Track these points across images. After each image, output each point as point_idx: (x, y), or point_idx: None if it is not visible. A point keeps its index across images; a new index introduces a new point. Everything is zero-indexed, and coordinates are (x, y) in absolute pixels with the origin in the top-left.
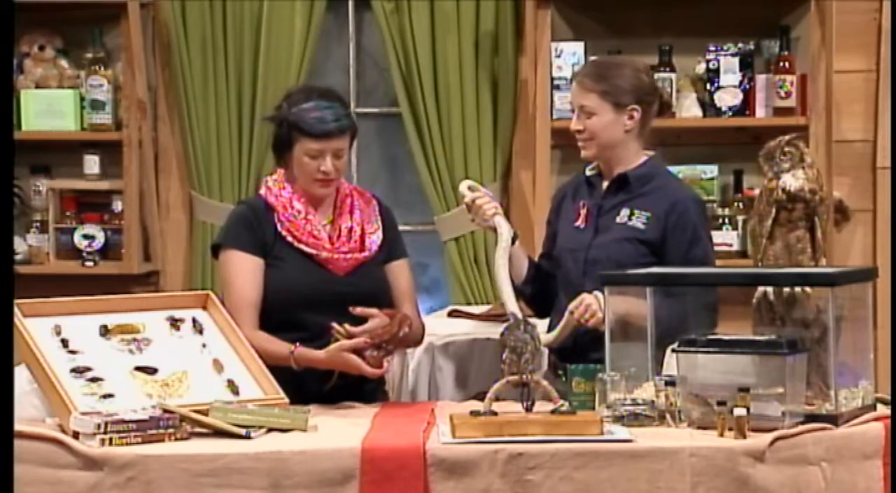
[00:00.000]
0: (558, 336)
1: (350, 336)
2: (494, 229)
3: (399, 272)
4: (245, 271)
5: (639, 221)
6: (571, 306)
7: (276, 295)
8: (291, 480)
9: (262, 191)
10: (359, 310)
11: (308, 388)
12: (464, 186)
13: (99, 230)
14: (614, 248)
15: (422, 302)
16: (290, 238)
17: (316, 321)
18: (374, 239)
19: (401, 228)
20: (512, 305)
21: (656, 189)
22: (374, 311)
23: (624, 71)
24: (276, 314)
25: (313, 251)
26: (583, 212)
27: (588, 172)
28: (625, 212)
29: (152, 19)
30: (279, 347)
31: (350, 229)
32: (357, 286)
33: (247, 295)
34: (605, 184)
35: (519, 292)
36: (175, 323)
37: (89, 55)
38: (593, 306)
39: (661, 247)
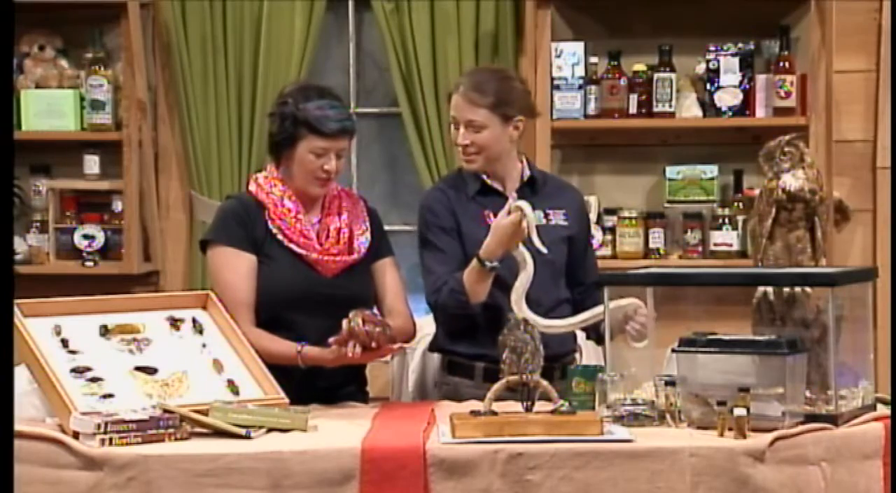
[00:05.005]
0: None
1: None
2: (515, 256)
3: (386, 270)
4: (239, 269)
5: (558, 219)
6: (639, 313)
7: (264, 293)
8: (291, 480)
9: (252, 187)
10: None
11: (310, 386)
12: (525, 205)
13: (99, 230)
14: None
15: (421, 302)
16: (280, 236)
17: (301, 321)
18: (363, 241)
19: (401, 228)
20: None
21: (557, 188)
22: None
23: (507, 83)
24: (262, 313)
25: (303, 252)
26: (490, 219)
27: (473, 182)
28: (538, 215)
29: (152, 19)
30: (284, 346)
31: (338, 230)
32: (343, 289)
33: (242, 294)
34: (502, 189)
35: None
36: (175, 323)
37: (89, 55)
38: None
39: (576, 239)
